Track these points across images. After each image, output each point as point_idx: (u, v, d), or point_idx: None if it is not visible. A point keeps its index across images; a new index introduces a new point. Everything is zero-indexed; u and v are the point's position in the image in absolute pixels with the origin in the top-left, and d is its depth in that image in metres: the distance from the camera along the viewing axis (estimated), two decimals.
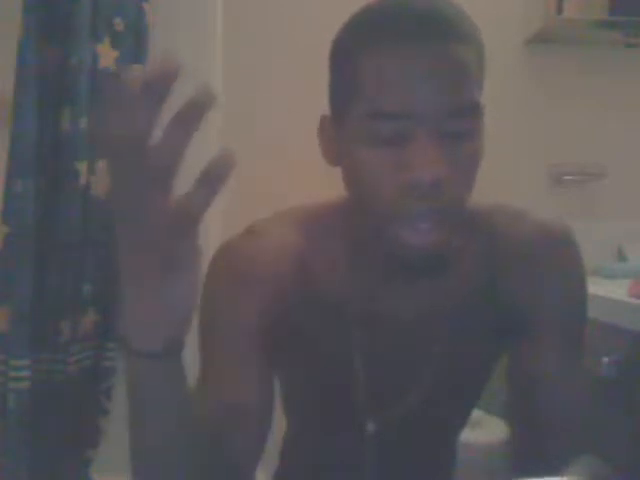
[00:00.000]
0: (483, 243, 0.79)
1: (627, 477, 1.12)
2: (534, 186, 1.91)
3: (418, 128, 0.65)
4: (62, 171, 1.46)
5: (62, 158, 1.46)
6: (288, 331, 0.77)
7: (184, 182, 1.73)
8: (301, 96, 1.42)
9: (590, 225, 1.75)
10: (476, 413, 1.32)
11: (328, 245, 0.77)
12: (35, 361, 1.42)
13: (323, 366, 0.79)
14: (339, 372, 0.79)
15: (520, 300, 0.79)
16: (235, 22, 1.77)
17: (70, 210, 1.46)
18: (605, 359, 1.31)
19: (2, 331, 1.39)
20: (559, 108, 1.92)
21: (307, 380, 0.81)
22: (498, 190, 1.28)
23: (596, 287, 1.30)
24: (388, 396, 0.80)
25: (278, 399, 0.85)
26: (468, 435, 0.98)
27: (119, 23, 1.55)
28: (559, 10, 1.82)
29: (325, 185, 0.73)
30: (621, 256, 1.89)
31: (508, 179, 1.80)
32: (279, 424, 0.87)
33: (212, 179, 0.50)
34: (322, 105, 0.76)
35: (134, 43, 1.57)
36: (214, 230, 1.67)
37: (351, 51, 0.69)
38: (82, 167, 1.47)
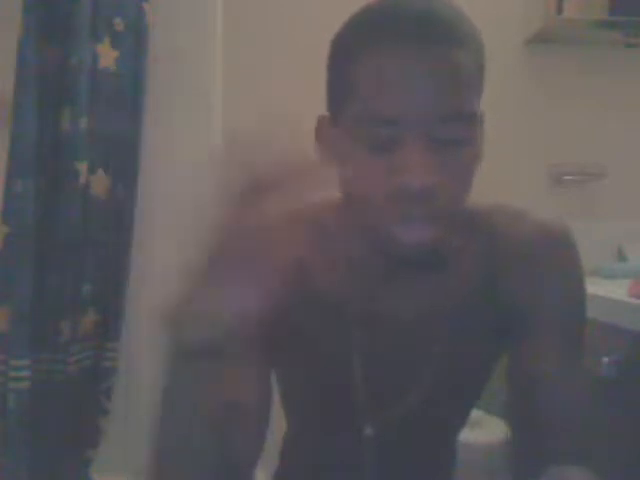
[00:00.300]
0: (483, 243, 0.79)
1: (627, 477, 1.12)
2: (534, 186, 1.91)
3: (409, 133, 0.65)
4: (62, 171, 1.46)
5: (62, 158, 1.46)
6: (287, 331, 0.77)
7: (184, 181, 1.73)
8: (301, 96, 1.42)
9: (590, 225, 1.75)
10: (476, 413, 1.32)
11: (327, 245, 0.77)
12: (35, 361, 1.42)
13: (322, 366, 0.79)
14: (338, 372, 0.79)
15: (520, 300, 0.79)
16: (235, 22, 1.77)
17: (70, 210, 1.46)
18: (605, 359, 1.31)
19: (2, 331, 1.40)
20: (559, 108, 1.92)
21: (306, 380, 0.81)
22: (498, 190, 1.28)
23: (596, 287, 1.30)
24: (388, 396, 0.80)
25: (277, 399, 0.85)
26: (468, 435, 0.98)
27: (119, 23, 1.55)
28: (559, 10, 1.82)
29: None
30: (621, 256, 1.89)
31: (508, 179, 1.80)
32: (279, 424, 0.87)
33: None
34: (322, 105, 0.76)
35: (134, 43, 1.57)
36: None
37: (346, 53, 0.69)
38: (82, 167, 1.47)
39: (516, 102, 1.90)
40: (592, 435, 0.77)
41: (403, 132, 0.65)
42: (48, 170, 1.45)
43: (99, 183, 1.53)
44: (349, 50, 0.69)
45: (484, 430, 1.60)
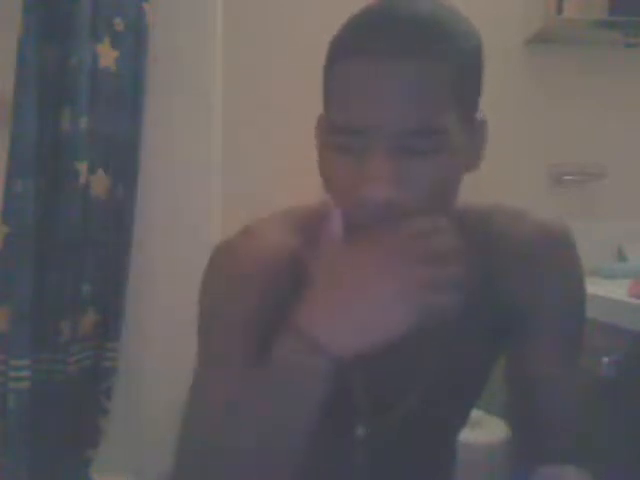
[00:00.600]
0: (482, 243, 0.79)
1: (626, 477, 1.12)
2: (534, 186, 1.91)
3: (375, 144, 0.65)
4: (62, 171, 1.46)
5: (62, 158, 1.46)
6: (285, 331, 0.77)
7: (184, 181, 1.72)
8: (301, 96, 1.42)
9: (590, 225, 1.75)
10: (476, 413, 1.32)
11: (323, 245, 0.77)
12: (35, 361, 1.42)
13: None
14: (336, 372, 0.79)
15: (519, 300, 0.79)
16: (235, 22, 1.77)
17: (70, 210, 1.46)
18: (605, 359, 1.31)
19: (2, 331, 1.40)
20: (559, 108, 1.92)
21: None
22: (498, 190, 1.29)
23: (596, 287, 1.30)
24: (387, 396, 0.80)
25: None
26: (468, 435, 0.98)
27: (119, 23, 1.55)
28: (559, 10, 1.82)
29: None
30: (621, 256, 1.89)
31: (508, 179, 1.80)
32: None
33: None
34: (322, 105, 0.76)
35: (134, 43, 1.57)
36: (214, 230, 1.68)
37: (328, 59, 0.70)
38: (82, 167, 1.47)
39: (516, 102, 1.90)
40: (592, 434, 0.77)
41: (369, 143, 0.65)
42: (48, 170, 1.45)
43: (99, 183, 1.53)
44: (330, 57, 0.70)
45: (484, 430, 1.60)
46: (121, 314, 1.59)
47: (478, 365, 0.83)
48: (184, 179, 1.67)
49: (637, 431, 1.26)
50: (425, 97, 0.64)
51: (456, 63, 0.66)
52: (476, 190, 0.78)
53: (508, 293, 0.79)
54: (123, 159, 1.58)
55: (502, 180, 1.66)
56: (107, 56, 1.53)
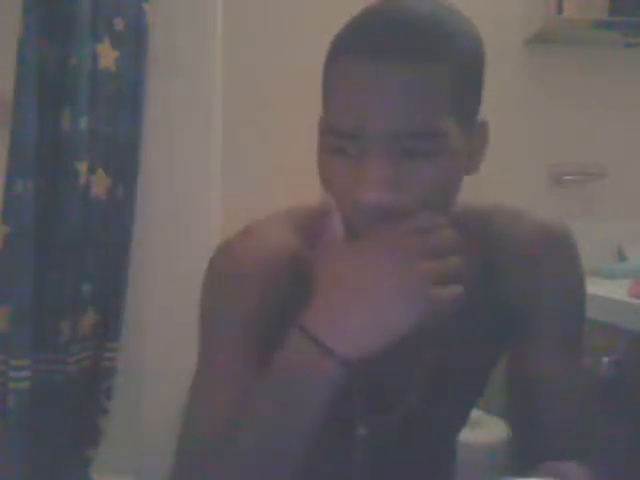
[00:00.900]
0: (482, 243, 0.79)
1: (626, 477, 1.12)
2: (534, 186, 1.91)
3: (368, 147, 0.64)
4: (62, 171, 1.46)
5: (62, 158, 1.46)
6: (285, 331, 0.77)
7: (184, 181, 1.72)
8: (301, 96, 1.42)
9: (590, 225, 1.75)
10: (476, 413, 1.32)
11: (324, 245, 0.77)
12: (35, 361, 1.42)
13: None
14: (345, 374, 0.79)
15: (519, 300, 0.79)
16: (235, 22, 1.77)
17: (70, 210, 1.46)
18: (605, 359, 1.31)
19: (2, 331, 1.39)
20: (559, 108, 1.92)
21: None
22: (498, 190, 1.29)
23: (596, 287, 1.30)
24: (387, 396, 0.80)
25: None
26: (468, 435, 0.98)
27: (119, 23, 1.55)
28: (559, 10, 1.82)
29: None
30: (621, 256, 1.89)
31: (508, 179, 1.80)
32: None
33: None
34: (322, 105, 0.76)
35: (134, 43, 1.57)
36: (214, 230, 1.68)
37: (328, 59, 0.70)
38: (82, 167, 1.47)
39: (516, 102, 1.90)
40: (592, 434, 0.77)
41: (367, 145, 0.65)
42: (48, 170, 1.45)
43: (99, 183, 1.53)
44: (329, 57, 0.69)
45: (484, 430, 1.60)
46: (121, 314, 1.59)
47: (478, 365, 0.83)
48: (184, 179, 1.67)
49: (637, 431, 1.26)
50: (423, 99, 0.64)
51: (456, 64, 0.65)
52: (476, 190, 0.78)
53: (508, 293, 0.79)
54: (123, 159, 1.58)
55: (502, 180, 1.66)
56: (107, 56, 1.53)
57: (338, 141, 0.66)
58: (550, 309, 0.79)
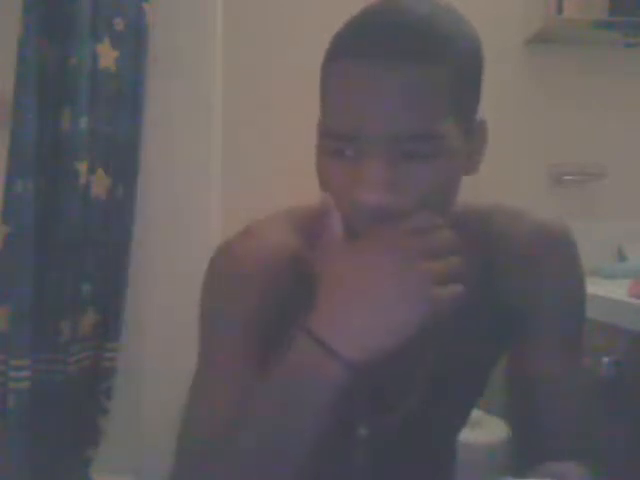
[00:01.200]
0: (482, 243, 0.79)
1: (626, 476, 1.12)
2: (534, 186, 1.91)
3: (367, 149, 0.64)
4: (62, 171, 1.46)
5: (62, 158, 1.46)
6: (285, 331, 0.77)
7: (184, 181, 1.72)
8: (301, 96, 1.42)
9: (590, 225, 1.75)
10: (476, 413, 1.32)
11: (324, 245, 0.77)
12: (35, 361, 1.42)
13: None
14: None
15: (519, 300, 0.79)
16: (235, 22, 1.77)
17: (70, 210, 1.46)
18: (605, 359, 1.31)
19: (2, 331, 1.39)
20: (559, 108, 1.92)
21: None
22: (498, 190, 1.29)
23: (596, 287, 1.30)
24: (387, 397, 0.80)
25: None
26: (468, 435, 0.98)
27: (119, 23, 1.55)
28: (559, 10, 1.82)
29: None
30: (621, 256, 1.89)
31: (508, 179, 1.80)
32: None
33: None
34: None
35: (134, 43, 1.57)
36: (214, 230, 1.68)
37: (326, 61, 0.69)
38: (82, 167, 1.47)
39: (516, 102, 1.90)
40: (592, 434, 0.77)
41: (364, 148, 0.64)
42: (48, 170, 1.45)
43: (99, 183, 1.53)
44: (327, 59, 0.69)
45: (484, 430, 1.60)
46: (121, 314, 1.59)
47: (479, 365, 0.83)
48: (184, 179, 1.67)
49: (637, 431, 1.26)
50: (421, 102, 0.63)
51: (454, 66, 0.65)
52: (476, 190, 0.78)
53: (508, 293, 0.79)
54: (123, 159, 1.58)
55: (502, 180, 1.66)
56: (107, 56, 1.53)
57: (336, 143, 0.66)
58: (550, 309, 0.79)
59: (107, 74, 1.53)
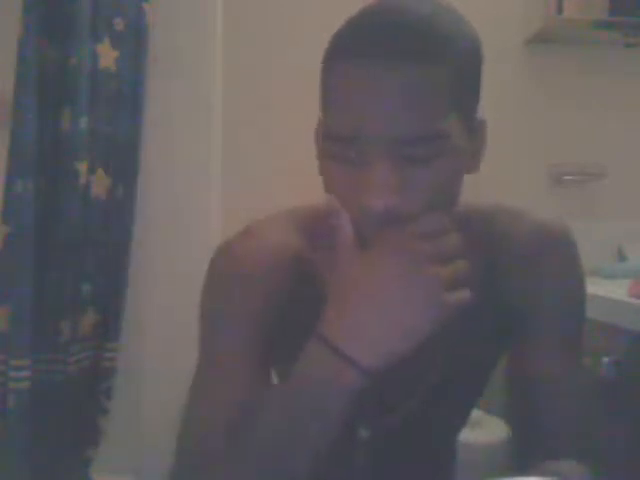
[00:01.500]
0: (483, 243, 0.79)
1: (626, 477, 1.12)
2: (534, 186, 1.91)
3: (373, 152, 0.64)
4: (62, 171, 1.46)
5: (62, 158, 1.46)
6: (287, 330, 0.77)
7: (184, 181, 1.72)
8: (301, 96, 1.42)
9: (590, 225, 1.75)
10: (476, 413, 1.32)
11: (325, 245, 0.77)
12: (35, 361, 1.42)
13: None
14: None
15: (520, 300, 0.79)
16: (235, 22, 1.77)
17: (70, 210, 1.46)
18: (605, 359, 1.31)
19: (2, 331, 1.39)
20: (559, 108, 1.92)
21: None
22: (498, 190, 1.29)
23: (596, 287, 1.30)
24: (388, 397, 0.80)
25: None
26: (468, 435, 0.98)
27: (119, 23, 1.55)
28: (559, 10, 1.82)
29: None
30: (621, 256, 1.89)
31: (508, 179, 1.80)
32: None
33: None
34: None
35: (134, 43, 1.57)
36: (214, 230, 1.68)
37: (325, 62, 0.69)
38: (82, 167, 1.47)
39: (516, 102, 1.90)
40: (592, 434, 0.77)
41: (369, 150, 0.64)
42: (48, 170, 1.45)
43: (99, 183, 1.53)
44: (327, 60, 0.69)
45: (484, 430, 1.60)
46: (121, 314, 1.59)
47: (480, 365, 0.83)
48: (184, 179, 1.67)
49: (637, 431, 1.26)
50: (423, 102, 0.63)
51: (454, 65, 0.65)
52: (476, 190, 0.78)
53: (509, 293, 0.79)
54: (123, 159, 1.58)
55: (502, 180, 1.66)
56: (107, 56, 1.53)
57: (338, 146, 0.66)
58: (550, 309, 0.79)
59: (107, 74, 1.53)
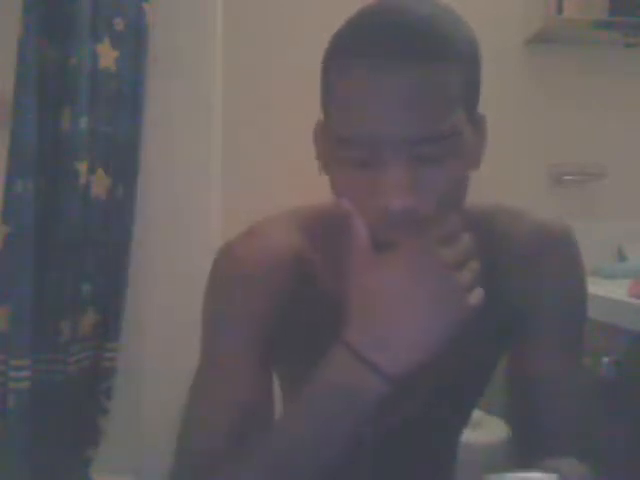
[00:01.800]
0: (483, 243, 0.79)
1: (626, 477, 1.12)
2: (534, 186, 1.91)
3: (385, 155, 0.64)
4: (62, 171, 1.46)
5: (62, 158, 1.46)
6: (289, 331, 0.77)
7: (184, 181, 1.72)
8: (301, 96, 1.42)
9: (590, 225, 1.75)
10: (476, 413, 1.32)
11: (329, 245, 0.77)
12: (35, 361, 1.42)
13: None
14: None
15: (520, 300, 0.79)
16: (235, 22, 1.77)
17: (70, 210, 1.46)
18: (605, 359, 1.31)
19: (2, 331, 1.39)
20: (559, 108, 1.92)
21: (309, 379, 0.81)
22: (498, 190, 1.29)
23: (596, 287, 1.30)
24: (389, 397, 0.80)
25: (278, 399, 0.85)
26: (468, 435, 0.98)
27: (119, 23, 1.55)
28: (559, 10, 1.82)
29: (326, 185, 0.73)
30: (621, 256, 1.89)
31: (508, 179, 1.80)
32: None
33: None
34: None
35: (134, 43, 1.57)
36: (214, 230, 1.68)
37: (328, 68, 0.69)
38: (82, 167, 1.47)
39: (516, 102, 1.90)
40: (592, 434, 0.77)
41: (382, 153, 0.64)
42: (48, 170, 1.45)
43: (99, 183, 1.53)
44: (330, 66, 0.68)
45: (484, 430, 1.60)
46: (121, 314, 1.59)
47: (481, 365, 0.83)
48: (184, 179, 1.67)
49: (637, 431, 1.26)
50: (434, 100, 0.64)
51: (457, 63, 0.65)
52: (476, 190, 0.78)
53: (510, 293, 0.79)
54: (123, 159, 1.58)
55: (502, 180, 1.65)
56: (107, 56, 1.53)
57: (350, 149, 0.65)
58: (550, 309, 0.79)
59: (107, 74, 1.53)
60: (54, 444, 1.47)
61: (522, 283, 0.79)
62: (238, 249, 0.79)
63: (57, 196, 1.46)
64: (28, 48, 1.40)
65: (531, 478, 0.57)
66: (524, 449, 0.78)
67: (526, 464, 0.70)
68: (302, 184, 1.34)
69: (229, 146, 1.75)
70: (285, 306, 0.76)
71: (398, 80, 0.63)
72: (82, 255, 1.50)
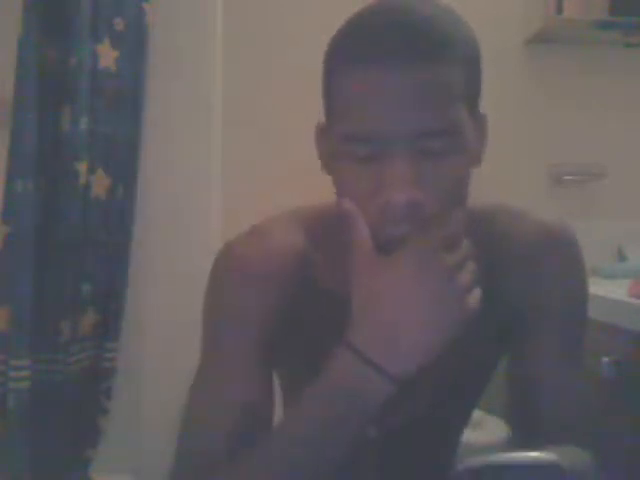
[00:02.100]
0: (483, 243, 0.79)
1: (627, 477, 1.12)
2: (534, 186, 1.91)
3: (390, 150, 0.64)
4: (62, 171, 1.46)
5: (62, 158, 1.46)
6: (291, 330, 0.77)
7: (184, 181, 1.73)
8: (301, 96, 1.42)
9: (590, 225, 1.75)
10: (476, 413, 1.32)
11: (331, 245, 0.77)
12: (35, 361, 1.42)
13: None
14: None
15: (520, 300, 0.79)
16: (235, 22, 1.77)
17: (70, 210, 1.46)
18: (605, 359, 1.31)
19: (2, 331, 1.39)
20: (559, 108, 1.92)
21: (310, 379, 0.81)
22: (498, 190, 1.28)
23: (596, 287, 1.29)
24: (392, 398, 0.80)
25: (279, 399, 0.85)
26: (468, 435, 0.98)
27: (119, 23, 1.55)
28: (559, 10, 1.82)
29: (326, 185, 0.73)
30: (621, 256, 1.89)
31: (508, 179, 1.80)
32: None
33: None
34: (321, 106, 0.75)
35: (134, 43, 1.57)
36: (214, 230, 1.68)
37: (328, 66, 0.69)
38: (82, 167, 1.47)
39: (516, 102, 1.90)
40: (592, 434, 0.77)
41: (386, 149, 0.64)
42: (48, 170, 1.45)
43: (99, 183, 1.53)
44: (329, 65, 0.69)
45: (484, 430, 1.60)
46: (121, 314, 1.59)
47: (481, 365, 0.83)
48: (184, 179, 1.67)
49: (637, 431, 1.26)
50: (437, 97, 0.64)
51: (459, 60, 0.66)
52: (476, 190, 0.78)
53: (510, 293, 0.79)
54: (123, 159, 1.58)
55: (502, 180, 1.65)
56: (107, 56, 1.53)
57: (355, 147, 0.66)
58: (551, 309, 0.79)
59: (107, 74, 1.53)
60: (54, 444, 1.47)
61: (523, 283, 0.79)
62: (239, 249, 0.79)
63: (57, 196, 1.46)
64: (28, 48, 1.40)
65: (529, 456, 0.58)
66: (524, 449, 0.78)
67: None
68: (302, 184, 1.34)
69: (229, 146, 1.75)
70: (286, 306, 0.76)
71: (400, 77, 0.63)
72: (82, 255, 1.50)
